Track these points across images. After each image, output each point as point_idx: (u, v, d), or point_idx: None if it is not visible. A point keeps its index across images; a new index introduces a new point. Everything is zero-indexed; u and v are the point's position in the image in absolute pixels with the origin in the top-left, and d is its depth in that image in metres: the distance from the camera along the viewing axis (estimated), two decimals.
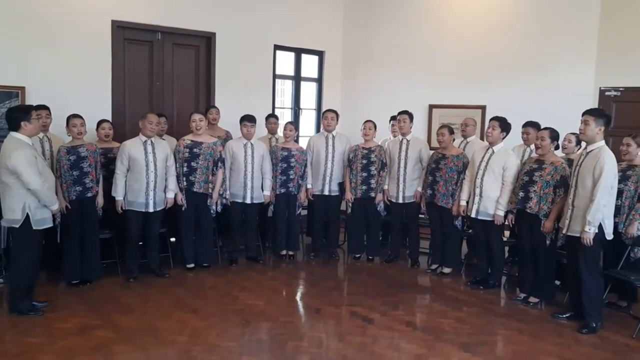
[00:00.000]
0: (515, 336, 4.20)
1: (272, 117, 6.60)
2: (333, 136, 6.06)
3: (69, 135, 4.94)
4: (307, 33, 7.80)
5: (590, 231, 4.11)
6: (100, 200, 5.04)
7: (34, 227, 4.17)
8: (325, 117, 6.09)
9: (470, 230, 5.68)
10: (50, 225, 4.36)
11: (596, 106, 6.27)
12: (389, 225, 6.21)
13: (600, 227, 4.14)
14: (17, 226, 4.13)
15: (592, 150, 4.24)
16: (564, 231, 4.40)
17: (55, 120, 5.18)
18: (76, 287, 4.93)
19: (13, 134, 4.15)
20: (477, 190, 5.13)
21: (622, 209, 4.52)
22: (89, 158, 4.92)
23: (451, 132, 5.54)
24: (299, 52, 7.91)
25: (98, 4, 5.95)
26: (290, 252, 6.16)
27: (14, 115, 4.18)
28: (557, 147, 4.81)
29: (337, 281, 5.66)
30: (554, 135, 4.71)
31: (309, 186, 6.03)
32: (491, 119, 5.21)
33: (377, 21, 7.86)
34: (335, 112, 6.11)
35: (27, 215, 4.13)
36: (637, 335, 4.20)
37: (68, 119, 4.93)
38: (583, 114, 4.32)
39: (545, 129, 4.77)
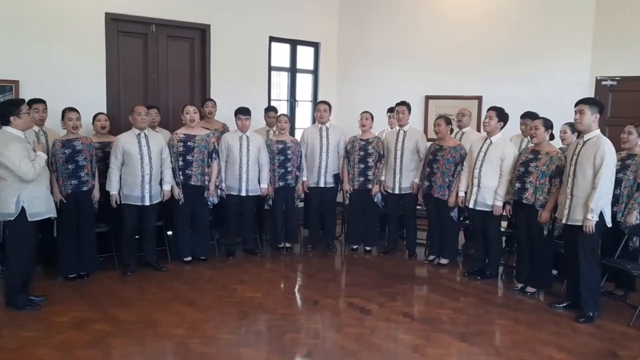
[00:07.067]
0: (513, 326, 4.21)
1: (271, 111, 6.55)
2: (327, 128, 6.03)
3: (64, 129, 4.90)
4: (303, 24, 7.75)
5: (593, 219, 4.12)
6: (96, 194, 5.03)
7: (30, 219, 4.14)
8: (317, 109, 6.05)
9: (467, 221, 5.67)
10: (46, 217, 4.31)
11: (592, 96, 6.29)
12: (387, 216, 6.20)
13: (600, 215, 4.15)
14: (12, 219, 4.11)
15: (589, 139, 4.24)
16: (563, 221, 4.39)
17: (50, 113, 5.14)
18: (73, 281, 4.92)
19: (5, 128, 4.14)
20: (475, 181, 5.12)
21: (621, 198, 4.52)
22: (84, 151, 4.88)
23: (448, 122, 5.50)
24: (294, 43, 7.87)
25: None
26: (288, 245, 6.15)
27: (3, 111, 4.15)
28: (552, 137, 4.80)
29: (334, 273, 5.67)
30: (548, 124, 4.70)
31: (304, 178, 6.00)
32: (489, 109, 5.19)
33: (373, 12, 7.82)
34: (327, 103, 6.07)
35: (23, 209, 4.11)
36: (633, 323, 4.22)
37: (63, 112, 4.88)
38: (577, 104, 4.33)
39: (539, 118, 4.77)
